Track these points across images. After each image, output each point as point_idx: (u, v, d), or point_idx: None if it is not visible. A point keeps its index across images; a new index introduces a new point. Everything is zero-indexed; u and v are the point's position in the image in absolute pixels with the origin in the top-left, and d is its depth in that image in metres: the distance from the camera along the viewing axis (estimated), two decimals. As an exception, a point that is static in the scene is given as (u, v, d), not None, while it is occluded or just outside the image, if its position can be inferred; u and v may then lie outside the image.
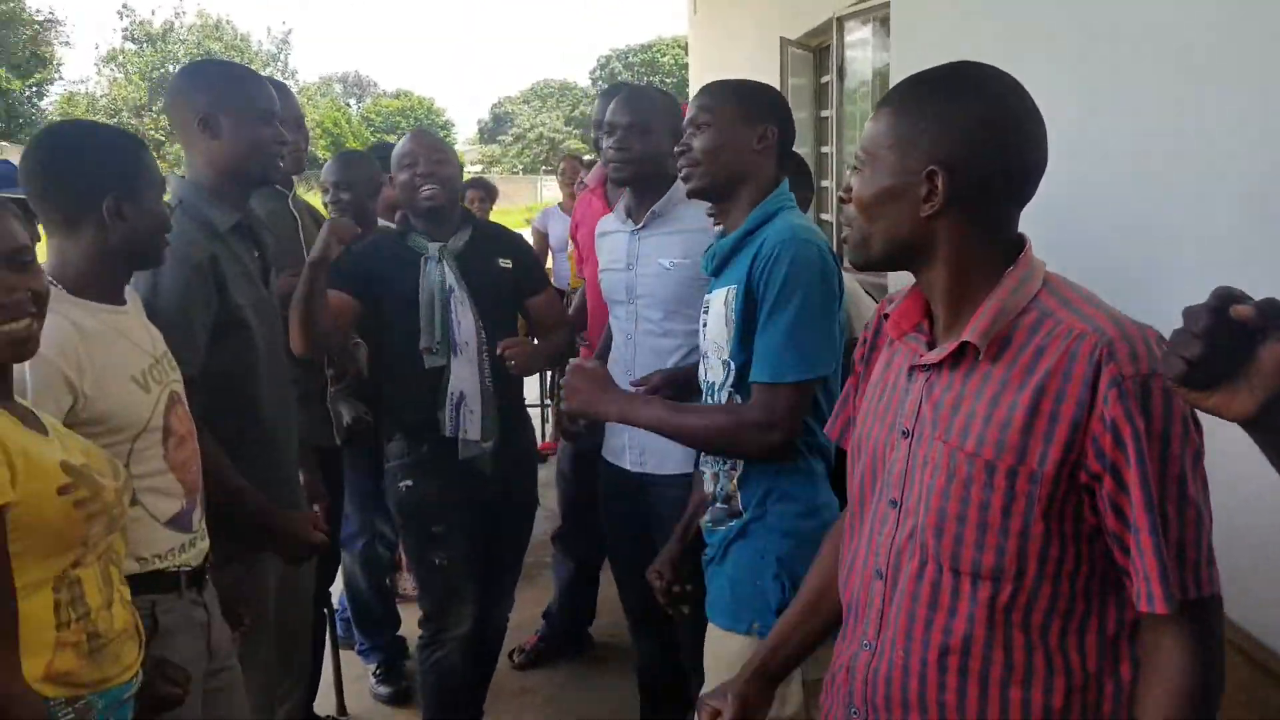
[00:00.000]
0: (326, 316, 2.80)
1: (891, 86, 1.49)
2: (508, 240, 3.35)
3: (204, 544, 2.12)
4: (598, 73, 60.91)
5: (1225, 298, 1.04)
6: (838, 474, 1.93)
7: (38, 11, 42.66)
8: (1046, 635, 1.35)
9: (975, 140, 1.34)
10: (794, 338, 2.03)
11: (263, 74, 2.70)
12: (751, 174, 2.19)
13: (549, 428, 6.96)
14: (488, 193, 6.62)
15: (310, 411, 3.21)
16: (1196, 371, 1.07)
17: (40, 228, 2.02)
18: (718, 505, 2.23)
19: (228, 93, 2.42)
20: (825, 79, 6.24)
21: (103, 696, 1.67)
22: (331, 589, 3.64)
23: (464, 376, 3.02)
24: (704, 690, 1.95)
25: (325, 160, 3.88)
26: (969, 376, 1.37)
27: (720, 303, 2.17)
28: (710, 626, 2.24)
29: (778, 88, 3.29)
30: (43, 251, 1.88)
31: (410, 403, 3.07)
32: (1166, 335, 1.13)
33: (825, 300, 2.06)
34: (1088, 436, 1.27)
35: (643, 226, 2.83)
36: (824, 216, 6.05)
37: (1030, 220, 1.43)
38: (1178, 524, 1.25)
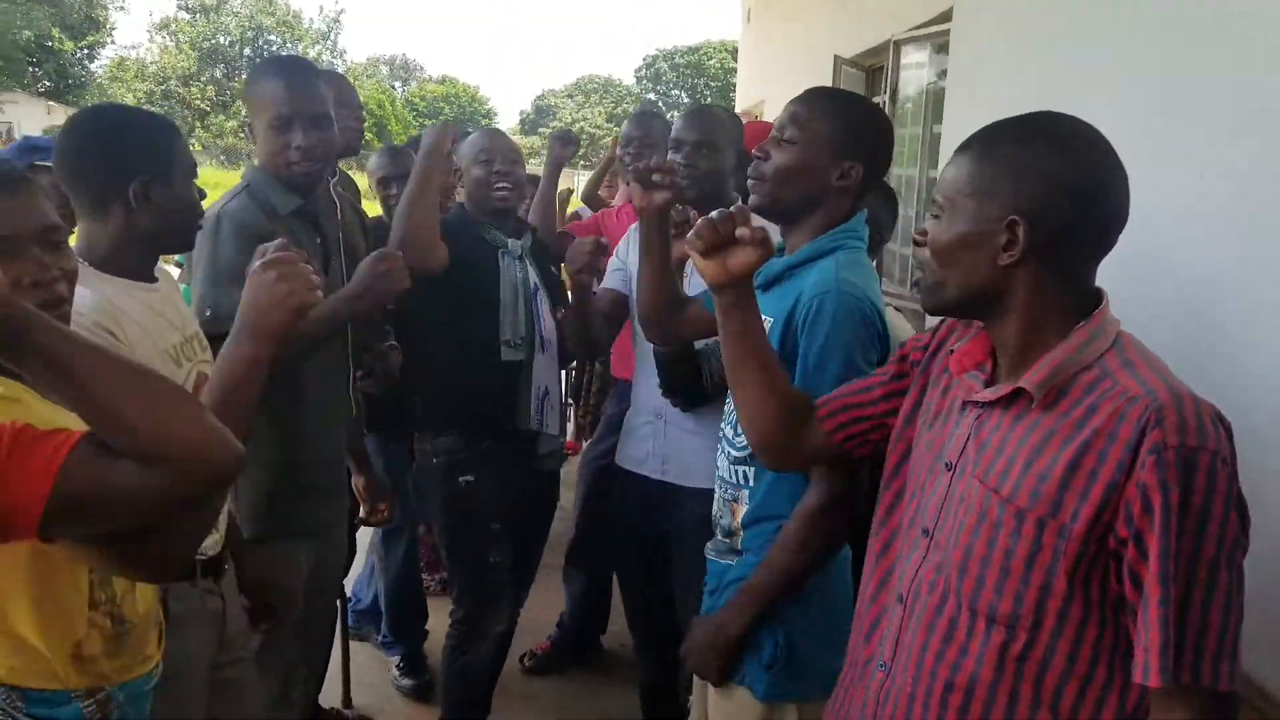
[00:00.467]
0: (429, 230, 2.79)
1: (972, 132, 1.46)
2: (552, 249, 3.41)
3: (220, 533, 2.11)
4: (643, 71, 61.04)
5: None
6: None
7: (95, -26, 43.16)
8: (1059, 697, 1.33)
9: (1057, 192, 1.32)
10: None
11: (310, 53, 2.73)
12: (822, 205, 2.03)
13: (570, 427, 6.96)
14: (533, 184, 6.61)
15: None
16: None
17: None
18: (719, 537, 2.16)
19: (256, 102, 2.52)
20: (877, 100, 6.20)
21: (123, 689, 1.66)
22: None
23: (547, 373, 3.06)
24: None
25: (370, 143, 3.89)
26: (1018, 421, 1.37)
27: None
28: None
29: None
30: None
31: (477, 395, 3.02)
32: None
33: (867, 355, 1.94)
34: (1121, 500, 1.25)
35: None
36: (890, 247, 5.94)
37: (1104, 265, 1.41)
38: (1201, 607, 1.21)
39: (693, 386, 2.66)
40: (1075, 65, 3.05)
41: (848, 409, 1.72)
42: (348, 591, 3.81)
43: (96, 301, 1.83)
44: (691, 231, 1.70)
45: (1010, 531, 1.32)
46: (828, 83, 6.12)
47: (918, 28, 5.02)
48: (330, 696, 3.63)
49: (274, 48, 47.97)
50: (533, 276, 3.06)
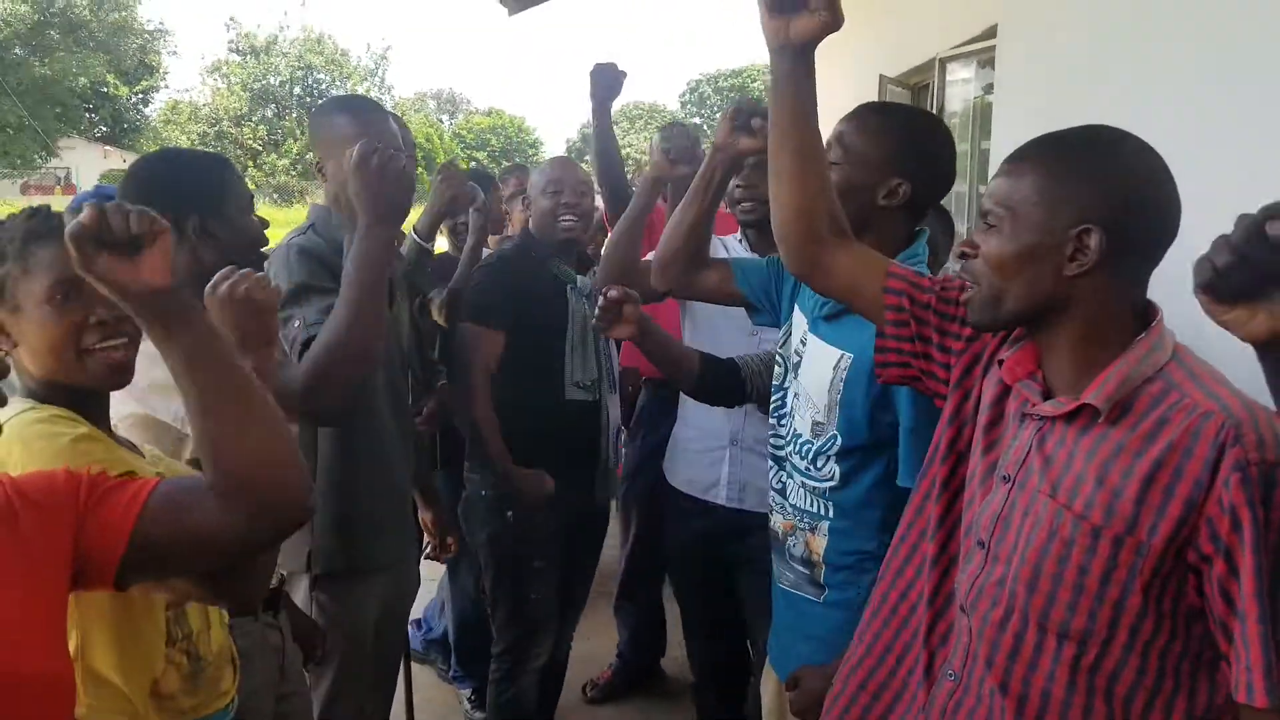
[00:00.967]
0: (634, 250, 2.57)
1: (1024, 142, 1.46)
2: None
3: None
4: (687, 96, 61.17)
5: (1268, 212, 1.03)
6: None
7: (148, 21, 44.32)
8: (1130, 706, 1.32)
9: (1130, 200, 1.33)
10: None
11: (359, 90, 2.74)
12: (873, 227, 1.95)
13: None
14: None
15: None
16: (1222, 280, 1.08)
17: None
18: (797, 566, 2.11)
19: (329, 141, 2.47)
20: (923, 117, 6.17)
21: (200, 726, 1.68)
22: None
23: (615, 413, 3.04)
24: None
25: (419, 177, 3.91)
26: (1083, 435, 1.35)
27: (829, 364, 2.02)
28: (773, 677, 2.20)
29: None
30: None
31: (532, 432, 2.97)
32: None
33: None
34: (1203, 518, 1.24)
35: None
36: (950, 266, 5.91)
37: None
38: None
39: (731, 396, 2.61)
40: (1120, 77, 3.03)
41: (911, 291, 1.67)
42: (416, 616, 3.82)
43: None
44: None
45: (1085, 549, 1.31)
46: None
47: (962, 45, 5.00)
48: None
49: (323, 86, 48.77)
50: None
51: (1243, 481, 1.20)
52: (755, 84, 56.77)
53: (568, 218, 2.98)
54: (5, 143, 36.26)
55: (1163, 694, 1.31)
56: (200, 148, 41.84)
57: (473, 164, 45.46)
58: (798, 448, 2.10)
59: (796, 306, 2.17)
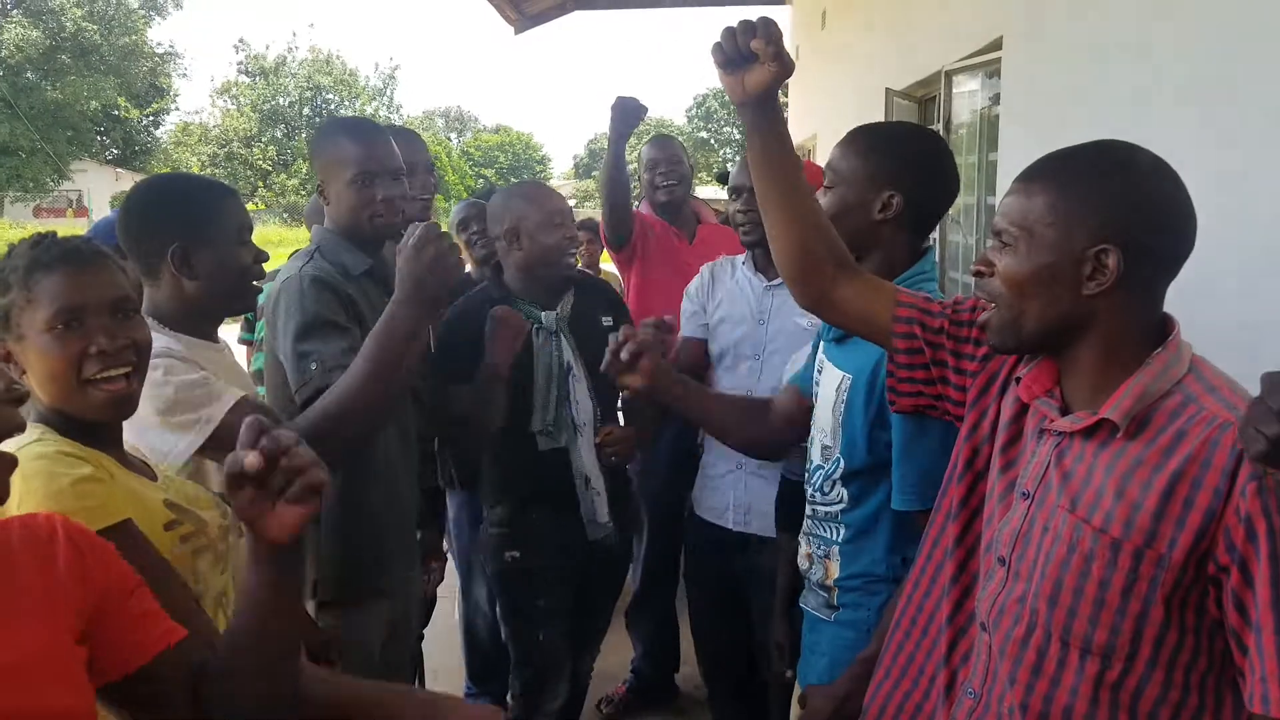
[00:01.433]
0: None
1: (1034, 159, 1.46)
2: (604, 294, 3.19)
3: None
4: (694, 110, 61.25)
5: None
6: None
7: (158, 44, 44.52)
8: None
9: (1148, 218, 1.33)
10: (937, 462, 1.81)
11: (367, 110, 2.73)
12: (875, 246, 1.97)
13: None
14: (595, 234, 6.55)
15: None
16: (1277, 450, 1.07)
17: None
18: (817, 590, 2.14)
19: (331, 164, 2.48)
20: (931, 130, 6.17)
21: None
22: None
23: (587, 459, 2.92)
24: None
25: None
26: (1102, 450, 1.35)
27: (833, 386, 2.03)
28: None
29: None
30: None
31: (519, 472, 2.93)
32: None
33: None
34: (1220, 527, 1.23)
35: (779, 283, 2.70)
36: (952, 275, 5.87)
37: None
38: None
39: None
40: (1124, 87, 3.03)
41: (923, 318, 1.67)
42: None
43: (165, 345, 1.90)
44: (713, 44, 1.62)
45: (1105, 562, 1.31)
46: (880, 115, 6.10)
47: (968, 57, 5.01)
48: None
49: (332, 106, 48.94)
50: (568, 354, 2.92)
51: (1259, 490, 1.20)
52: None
53: (571, 253, 2.92)
54: (18, 166, 36.45)
55: (1188, 709, 1.31)
56: (210, 169, 42.11)
57: (480, 180, 45.49)
58: (811, 474, 2.12)
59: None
